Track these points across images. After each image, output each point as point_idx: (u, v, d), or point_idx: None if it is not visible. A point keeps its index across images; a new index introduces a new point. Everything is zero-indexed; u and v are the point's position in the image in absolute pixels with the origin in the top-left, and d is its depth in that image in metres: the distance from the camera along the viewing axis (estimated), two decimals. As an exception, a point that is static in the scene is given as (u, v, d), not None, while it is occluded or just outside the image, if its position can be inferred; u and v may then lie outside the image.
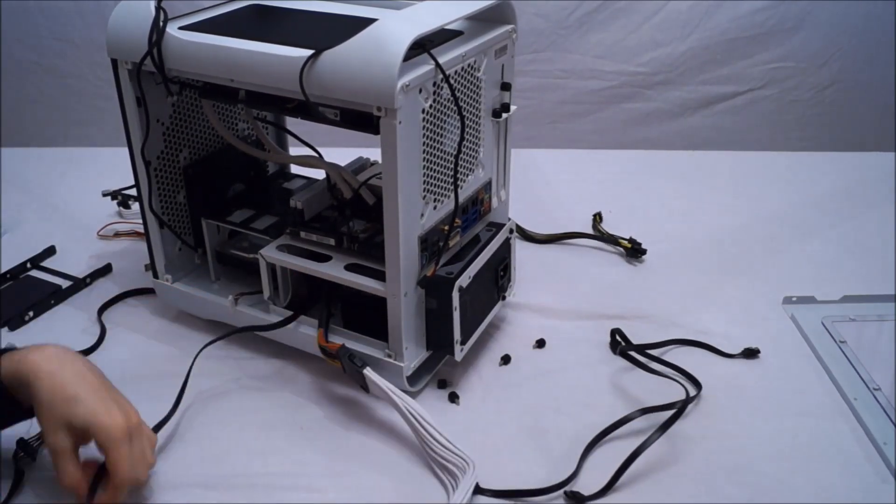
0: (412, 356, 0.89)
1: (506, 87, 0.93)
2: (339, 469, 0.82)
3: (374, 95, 0.74)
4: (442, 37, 0.84)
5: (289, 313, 0.93)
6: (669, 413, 0.83)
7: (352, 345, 0.88)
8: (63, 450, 0.71)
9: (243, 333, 0.96)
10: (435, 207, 0.85)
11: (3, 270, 1.12)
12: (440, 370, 0.94)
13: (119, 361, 0.95)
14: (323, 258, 0.90)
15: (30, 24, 2.17)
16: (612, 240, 1.22)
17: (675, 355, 0.98)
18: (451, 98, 0.81)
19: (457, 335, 0.88)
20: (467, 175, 0.91)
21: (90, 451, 0.73)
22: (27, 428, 0.84)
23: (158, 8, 0.85)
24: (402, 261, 0.81)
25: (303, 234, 0.92)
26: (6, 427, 0.79)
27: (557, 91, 2.27)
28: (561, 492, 0.78)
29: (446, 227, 0.87)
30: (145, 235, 0.99)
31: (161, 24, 0.84)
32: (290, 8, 0.97)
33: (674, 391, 0.89)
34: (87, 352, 0.97)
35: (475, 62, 0.86)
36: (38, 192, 1.36)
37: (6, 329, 1.02)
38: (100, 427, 0.70)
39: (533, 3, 2.15)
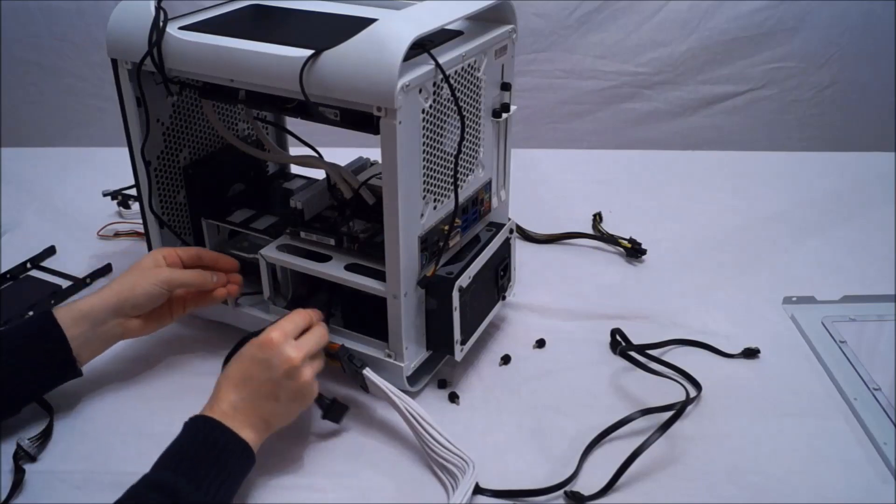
0: (412, 356, 0.89)
1: (506, 87, 0.93)
2: (339, 469, 0.82)
3: (374, 95, 0.74)
4: (442, 37, 0.84)
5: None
6: (669, 414, 0.83)
7: (352, 345, 0.88)
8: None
9: (244, 332, 0.96)
10: (435, 207, 0.85)
11: (3, 270, 1.12)
12: (440, 370, 0.94)
13: (119, 361, 0.95)
14: (323, 258, 0.90)
15: (30, 24, 2.17)
16: (612, 240, 1.22)
17: (675, 355, 0.98)
18: (451, 98, 0.81)
19: (457, 335, 0.87)
20: (467, 175, 0.91)
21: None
22: (27, 428, 0.85)
23: (158, 8, 0.85)
24: (402, 261, 0.81)
25: (303, 234, 0.92)
26: (55, 387, 0.86)
27: (557, 91, 2.27)
28: (561, 492, 0.78)
29: (446, 227, 0.87)
30: (145, 235, 0.99)
31: (161, 24, 0.84)
32: (290, 8, 0.97)
33: (674, 391, 0.89)
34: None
35: (475, 62, 0.86)
36: (38, 192, 1.36)
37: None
38: None
39: (533, 3, 2.15)
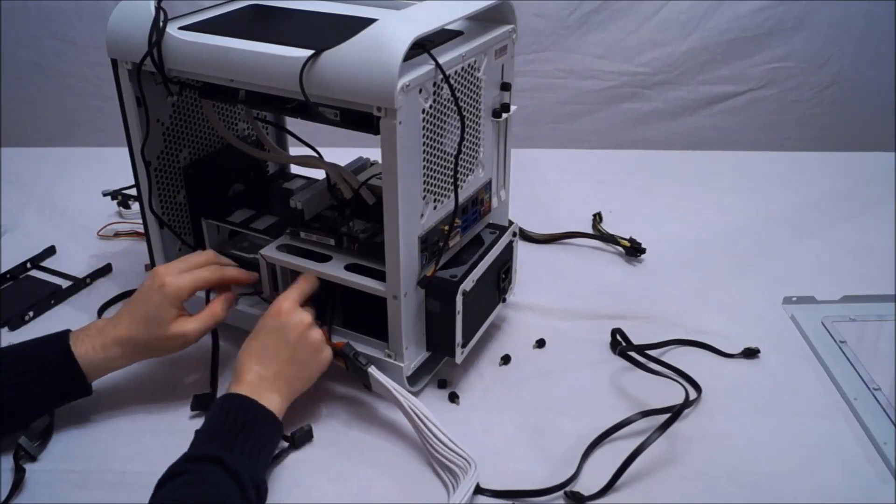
0: (412, 356, 0.89)
1: (506, 87, 0.93)
2: (341, 467, 0.82)
3: (374, 95, 0.74)
4: (442, 37, 0.84)
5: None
6: (669, 415, 0.83)
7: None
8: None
9: (245, 332, 0.96)
10: (435, 207, 0.86)
11: (3, 270, 1.12)
12: (440, 370, 0.94)
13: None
14: (323, 258, 0.90)
15: (30, 24, 2.17)
16: (611, 240, 1.22)
17: (675, 355, 0.98)
18: (451, 98, 0.81)
19: (458, 338, 0.88)
20: (467, 175, 0.91)
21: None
22: (28, 427, 0.85)
23: (158, 8, 0.85)
24: (402, 261, 0.81)
25: (303, 234, 0.92)
26: (64, 404, 0.85)
27: (557, 91, 2.27)
28: (561, 492, 0.78)
29: (446, 227, 0.87)
30: (145, 235, 0.99)
31: (161, 24, 0.84)
32: (290, 8, 0.97)
33: (674, 391, 0.89)
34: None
35: (475, 62, 0.86)
36: (38, 192, 1.36)
37: (6, 329, 1.01)
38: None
39: (533, 3, 2.15)
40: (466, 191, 0.92)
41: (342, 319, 0.94)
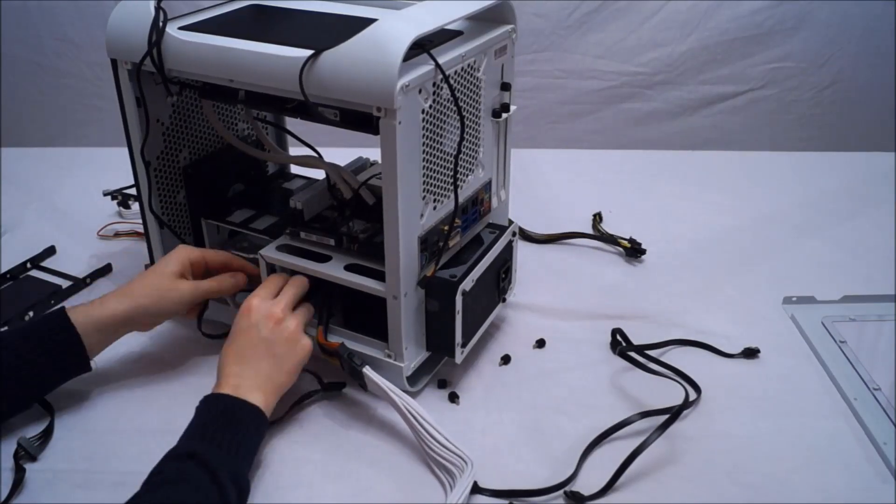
0: (412, 356, 0.89)
1: (506, 87, 0.93)
2: (338, 468, 0.82)
3: (374, 95, 0.74)
4: (442, 37, 0.84)
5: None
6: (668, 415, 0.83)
7: (351, 344, 0.88)
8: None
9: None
10: (435, 207, 0.86)
11: (3, 270, 1.12)
12: (440, 370, 0.94)
13: (119, 361, 0.95)
14: (323, 258, 0.90)
15: (30, 24, 2.17)
16: (611, 240, 1.22)
17: (675, 355, 0.98)
18: (451, 98, 0.81)
19: (458, 338, 0.88)
20: (467, 175, 0.91)
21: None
22: (28, 427, 0.85)
23: (158, 8, 0.85)
24: (402, 261, 0.81)
25: (303, 234, 0.92)
26: (66, 381, 0.86)
27: (557, 91, 2.27)
28: (561, 492, 0.78)
29: (446, 227, 0.87)
30: (145, 235, 0.99)
31: (161, 24, 0.84)
32: (289, 8, 0.97)
33: (674, 391, 0.89)
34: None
35: (475, 62, 0.86)
36: (38, 192, 1.36)
37: (6, 329, 1.02)
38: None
39: (533, 3, 2.15)
40: (466, 191, 0.92)
41: (342, 319, 0.94)
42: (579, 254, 1.22)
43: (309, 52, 0.76)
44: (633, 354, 0.95)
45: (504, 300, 0.99)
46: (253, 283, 0.91)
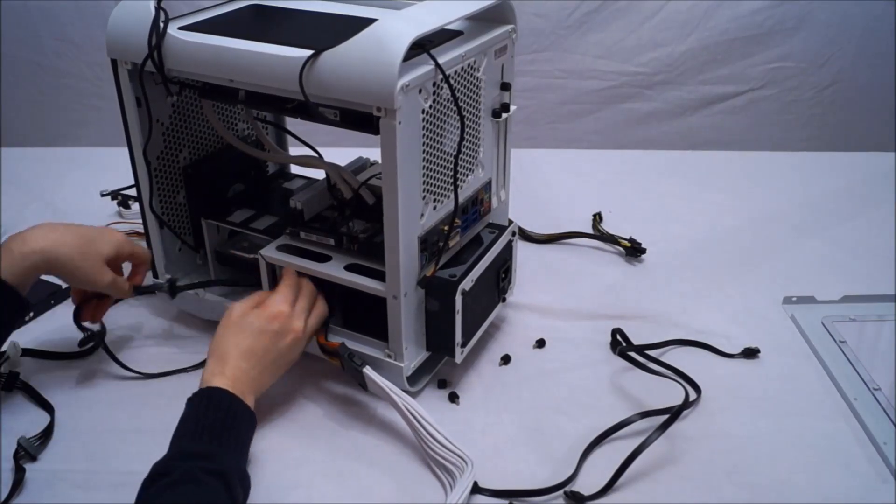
0: (412, 356, 0.89)
1: (506, 87, 0.93)
2: (338, 467, 0.82)
3: (374, 95, 0.74)
4: (442, 37, 0.84)
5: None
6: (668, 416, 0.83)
7: (352, 344, 0.88)
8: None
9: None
10: (435, 207, 0.86)
11: (3, 270, 1.12)
12: (440, 370, 0.94)
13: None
14: (323, 258, 0.90)
15: (30, 24, 2.17)
16: (611, 240, 1.22)
17: (674, 355, 0.98)
18: (451, 98, 0.81)
19: (458, 338, 0.88)
20: (467, 175, 0.91)
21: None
22: (28, 427, 0.85)
23: (158, 8, 0.85)
24: (402, 261, 0.81)
25: (303, 234, 0.92)
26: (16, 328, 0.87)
27: (557, 91, 2.27)
28: (561, 492, 0.78)
29: (446, 227, 0.87)
30: (145, 235, 0.99)
31: (161, 24, 0.84)
32: (290, 8, 0.97)
33: (674, 391, 0.89)
34: (88, 351, 0.97)
35: (475, 62, 0.86)
36: (38, 192, 1.36)
37: (6, 329, 1.01)
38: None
39: (533, 3, 2.15)
40: (466, 191, 0.92)
41: (342, 319, 0.94)
42: (579, 254, 1.22)
43: (309, 52, 0.76)
44: (633, 354, 0.95)
45: (504, 300, 0.99)
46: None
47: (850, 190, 1.41)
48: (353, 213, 0.93)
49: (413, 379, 0.90)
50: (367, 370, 0.84)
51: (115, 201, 1.28)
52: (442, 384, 0.93)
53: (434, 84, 0.79)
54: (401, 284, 0.82)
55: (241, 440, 0.76)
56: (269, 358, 0.83)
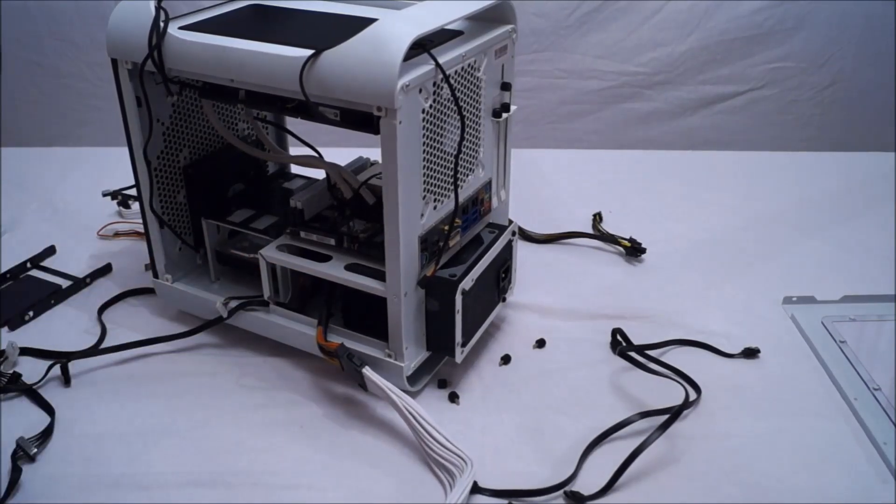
0: (412, 356, 0.89)
1: (506, 87, 0.93)
2: (338, 467, 0.82)
3: (374, 95, 0.74)
4: (442, 37, 0.84)
5: (289, 313, 0.93)
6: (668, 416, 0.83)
7: (352, 344, 0.88)
8: None
9: (243, 332, 0.96)
10: (435, 207, 0.85)
11: (3, 270, 1.12)
12: (440, 370, 0.94)
13: (119, 363, 0.95)
14: (323, 258, 0.90)
15: (30, 24, 2.17)
16: (611, 240, 1.22)
17: (674, 355, 0.98)
18: (451, 98, 0.81)
19: (458, 337, 0.88)
20: (467, 175, 0.91)
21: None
22: (28, 428, 0.85)
23: (158, 8, 0.85)
24: (402, 261, 0.81)
25: (303, 234, 0.92)
26: None
27: (557, 91, 2.27)
28: (561, 492, 0.78)
29: (446, 227, 0.87)
30: (145, 235, 0.99)
31: (161, 24, 0.84)
32: (290, 8, 0.97)
33: (674, 391, 0.89)
34: (87, 352, 0.97)
35: (475, 62, 0.86)
36: (38, 192, 1.36)
37: (6, 329, 1.02)
38: None
39: (533, 3, 2.15)
40: (466, 191, 0.92)
41: (342, 319, 0.94)
42: (579, 254, 1.22)
43: (309, 52, 0.76)
44: (633, 354, 0.95)
45: (504, 300, 0.99)
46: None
47: (850, 190, 1.41)
48: (353, 212, 0.93)
49: (413, 379, 0.90)
50: (367, 370, 0.84)
51: (115, 201, 1.28)
52: (442, 384, 0.93)
53: (434, 84, 0.79)
54: (401, 284, 0.82)
55: None
56: None
